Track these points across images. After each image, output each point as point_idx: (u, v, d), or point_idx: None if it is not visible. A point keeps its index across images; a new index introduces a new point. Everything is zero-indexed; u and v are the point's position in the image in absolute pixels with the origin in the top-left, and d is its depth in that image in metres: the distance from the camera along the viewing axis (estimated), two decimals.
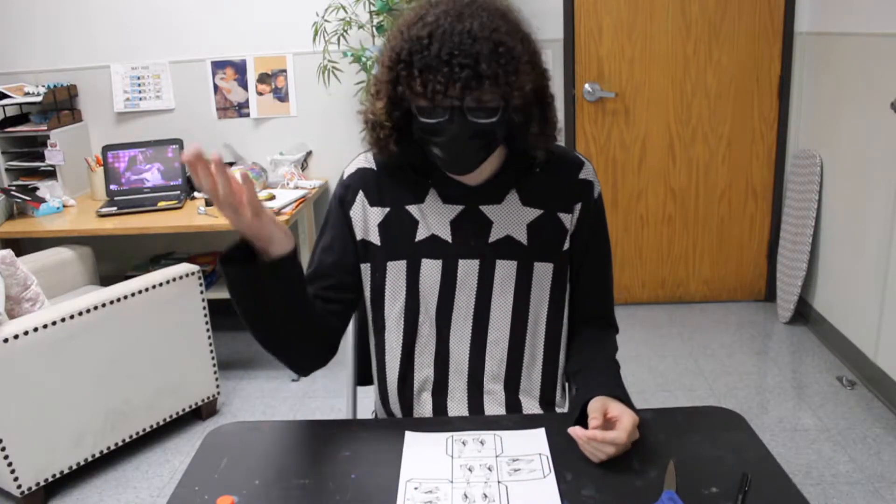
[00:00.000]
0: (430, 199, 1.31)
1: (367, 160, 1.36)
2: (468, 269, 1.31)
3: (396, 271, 1.33)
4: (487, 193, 1.31)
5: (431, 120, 1.15)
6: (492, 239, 1.31)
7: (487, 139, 1.17)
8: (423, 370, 1.36)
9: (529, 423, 1.22)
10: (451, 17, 1.11)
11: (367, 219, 1.33)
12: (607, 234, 1.40)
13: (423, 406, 1.36)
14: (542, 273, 1.33)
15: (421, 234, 1.31)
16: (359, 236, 1.33)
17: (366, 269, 1.35)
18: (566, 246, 1.34)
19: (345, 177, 1.36)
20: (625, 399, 1.19)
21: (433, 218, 1.31)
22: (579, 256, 1.36)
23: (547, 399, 1.39)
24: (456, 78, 1.08)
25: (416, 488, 1.06)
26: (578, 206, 1.34)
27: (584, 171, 1.35)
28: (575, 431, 1.10)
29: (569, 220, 1.33)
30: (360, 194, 1.33)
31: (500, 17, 1.14)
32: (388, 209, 1.32)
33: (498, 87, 1.11)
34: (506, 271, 1.32)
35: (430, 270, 1.31)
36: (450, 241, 1.31)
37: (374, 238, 1.33)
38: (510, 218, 1.31)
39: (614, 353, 1.39)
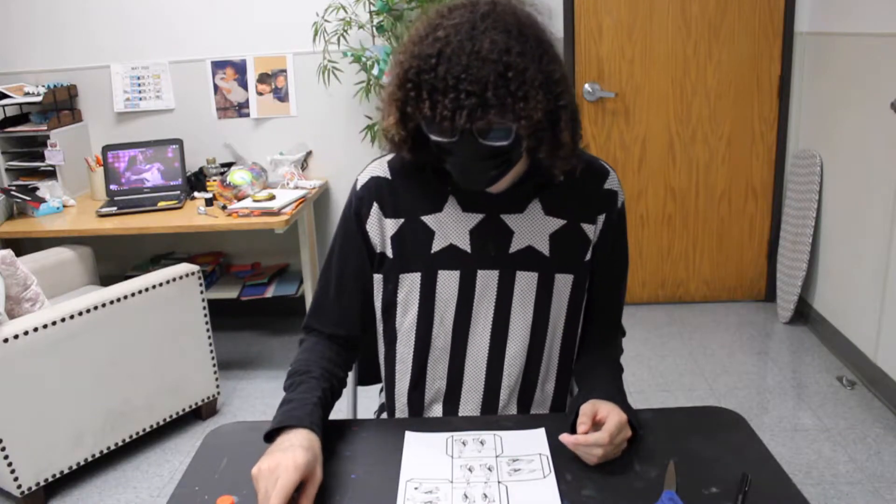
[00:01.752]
0: (448, 207, 1.27)
1: (380, 168, 1.30)
2: (487, 281, 1.27)
3: (410, 284, 1.29)
4: (509, 202, 1.26)
5: (442, 139, 1.11)
6: (512, 249, 1.27)
7: (500, 160, 1.14)
8: (436, 382, 1.33)
9: (529, 423, 1.22)
10: (462, 33, 1.06)
11: (383, 231, 1.28)
12: (627, 243, 1.37)
13: (434, 415, 1.35)
14: (562, 285, 1.30)
15: (437, 245, 1.27)
16: (377, 249, 1.30)
17: (378, 280, 1.32)
18: (588, 257, 1.31)
19: (358, 187, 1.30)
20: (618, 400, 1.18)
21: (451, 227, 1.26)
22: (600, 267, 1.33)
23: (556, 408, 1.38)
24: (462, 105, 1.03)
25: (416, 488, 1.06)
26: (602, 217, 1.30)
27: (609, 181, 1.32)
28: (564, 438, 1.09)
29: (592, 230, 1.29)
30: (375, 206, 1.28)
31: (515, 34, 1.07)
32: (402, 220, 1.28)
33: (505, 115, 1.06)
34: (526, 283, 1.28)
35: (447, 281, 1.28)
36: (469, 250, 1.26)
37: (389, 251, 1.29)
38: (532, 228, 1.27)
39: (618, 356, 1.38)
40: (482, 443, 1.16)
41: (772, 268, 3.62)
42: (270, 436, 1.12)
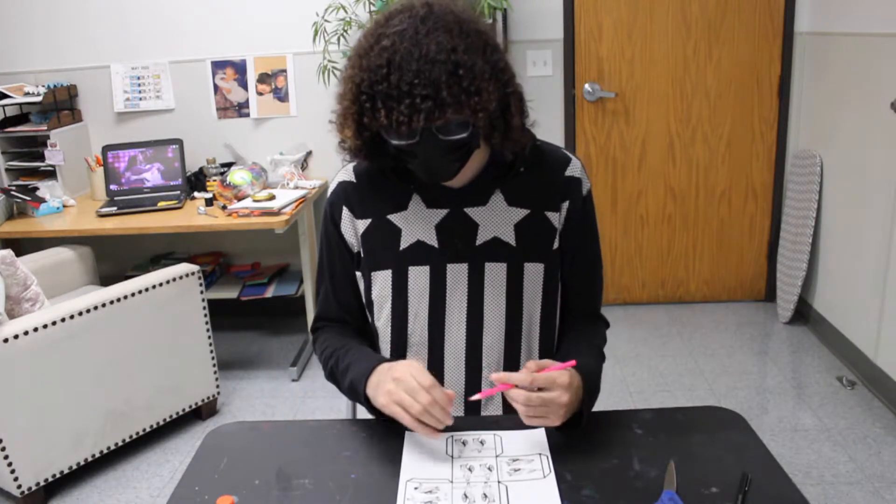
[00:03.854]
0: (413, 205, 1.30)
1: (347, 173, 1.37)
2: (457, 274, 1.30)
3: (382, 281, 1.33)
4: (471, 195, 1.30)
5: (402, 142, 1.14)
6: (479, 241, 1.30)
7: (461, 151, 1.17)
8: None
9: None
10: (407, 39, 1.08)
11: (356, 232, 1.34)
12: (597, 230, 1.39)
13: None
14: (533, 274, 1.32)
15: (405, 242, 1.30)
16: (354, 249, 1.35)
17: (359, 277, 1.37)
18: (556, 245, 1.33)
19: (329, 194, 1.37)
20: (580, 371, 1.16)
21: (418, 224, 1.30)
22: (569, 254, 1.35)
23: None
24: (418, 108, 1.06)
25: (416, 488, 1.06)
26: (566, 205, 1.32)
27: (570, 168, 1.34)
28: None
29: (557, 218, 1.32)
30: (345, 209, 1.34)
31: (457, 32, 1.10)
32: (370, 220, 1.32)
33: (461, 110, 1.09)
34: (496, 274, 1.30)
35: (418, 277, 1.31)
36: (436, 245, 1.30)
37: (362, 250, 1.34)
38: (496, 219, 1.30)
39: (601, 345, 1.39)
40: (482, 443, 1.16)
41: (772, 268, 3.62)
42: (365, 398, 1.21)
